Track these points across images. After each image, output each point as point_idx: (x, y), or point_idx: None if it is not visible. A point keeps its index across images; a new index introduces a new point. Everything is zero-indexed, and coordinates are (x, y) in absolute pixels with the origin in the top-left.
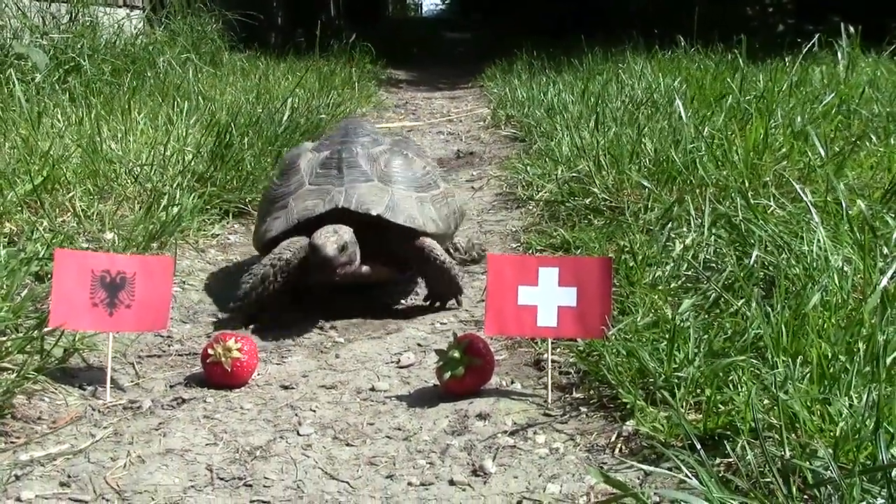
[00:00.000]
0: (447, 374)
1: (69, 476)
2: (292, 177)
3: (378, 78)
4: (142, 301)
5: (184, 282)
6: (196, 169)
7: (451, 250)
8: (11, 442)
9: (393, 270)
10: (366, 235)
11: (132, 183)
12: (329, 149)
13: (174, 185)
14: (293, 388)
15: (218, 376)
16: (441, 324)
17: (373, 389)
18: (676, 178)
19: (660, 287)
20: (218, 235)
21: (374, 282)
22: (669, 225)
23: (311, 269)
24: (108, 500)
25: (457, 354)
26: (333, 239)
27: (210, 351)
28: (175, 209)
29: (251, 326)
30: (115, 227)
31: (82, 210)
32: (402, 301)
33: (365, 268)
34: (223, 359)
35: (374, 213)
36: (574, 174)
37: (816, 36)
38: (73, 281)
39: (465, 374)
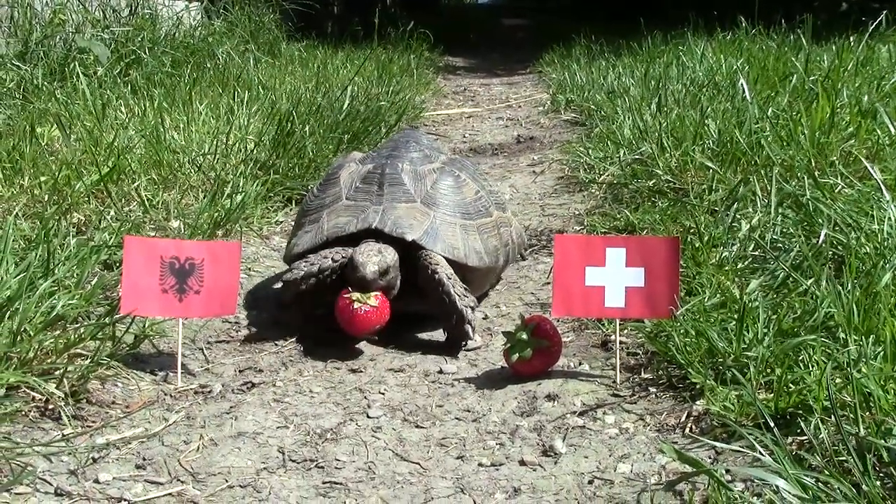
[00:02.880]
0: (515, 356)
1: (144, 459)
2: (330, 189)
3: (436, 65)
4: (210, 287)
5: (249, 268)
6: (258, 157)
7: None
8: (88, 426)
9: (418, 303)
10: (402, 261)
11: (196, 172)
12: (374, 162)
13: (237, 174)
14: (361, 371)
15: (349, 317)
16: (506, 306)
17: (440, 372)
18: (741, 158)
19: (726, 267)
20: (282, 222)
21: (410, 312)
22: (735, 205)
23: (350, 284)
24: (182, 482)
25: (524, 336)
26: (376, 259)
27: (347, 295)
28: (239, 197)
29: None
30: (180, 216)
31: (148, 199)
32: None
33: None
34: (358, 303)
35: (409, 238)
36: (637, 156)
37: (883, 13)
38: (143, 268)
39: (533, 355)
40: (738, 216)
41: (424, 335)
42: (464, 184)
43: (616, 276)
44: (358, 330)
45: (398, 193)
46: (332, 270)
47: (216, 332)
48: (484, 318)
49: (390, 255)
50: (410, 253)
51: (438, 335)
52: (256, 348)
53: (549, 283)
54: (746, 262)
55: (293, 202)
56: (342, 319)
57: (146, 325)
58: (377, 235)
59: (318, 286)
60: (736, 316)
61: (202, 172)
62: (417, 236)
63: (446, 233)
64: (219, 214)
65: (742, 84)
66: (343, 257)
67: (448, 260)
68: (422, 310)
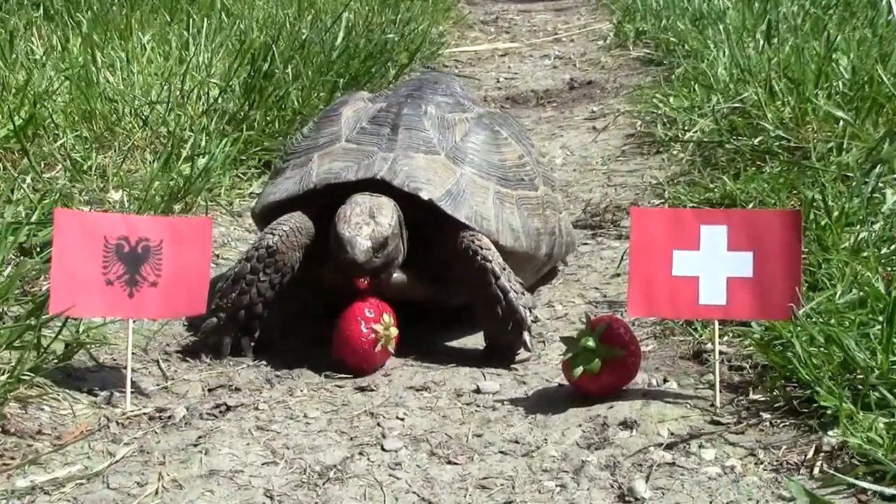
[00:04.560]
0: (579, 370)
1: None
2: (326, 128)
3: None
4: (172, 277)
5: (217, 255)
6: (226, 108)
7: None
8: (5, 464)
9: (437, 290)
10: (410, 231)
11: (141, 127)
12: (389, 101)
13: (198, 129)
14: (372, 389)
15: (374, 360)
16: (563, 305)
17: (478, 391)
18: (884, 105)
19: (865, 253)
20: (259, 194)
21: (410, 299)
22: (876, 169)
23: (336, 265)
24: None
25: (591, 343)
26: (368, 231)
27: (364, 337)
28: (201, 160)
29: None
30: (123, 185)
31: (77, 162)
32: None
33: (398, 275)
34: (383, 340)
35: (424, 195)
36: (736, 105)
37: None
38: (80, 252)
39: (603, 368)
40: (882, 184)
41: (455, 343)
42: (504, 143)
43: (714, 264)
44: (372, 367)
45: (417, 141)
46: (274, 256)
47: (177, 337)
48: (534, 321)
49: (387, 218)
50: (436, 224)
51: (471, 340)
52: (231, 359)
53: (620, 275)
54: (893, 247)
55: (273, 168)
56: (353, 353)
57: (83, 330)
58: (383, 190)
59: (277, 286)
60: (881, 318)
61: (150, 128)
62: (436, 196)
63: (475, 197)
64: (175, 183)
65: (888, 1)
66: (294, 229)
67: (469, 229)
68: (421, 297)
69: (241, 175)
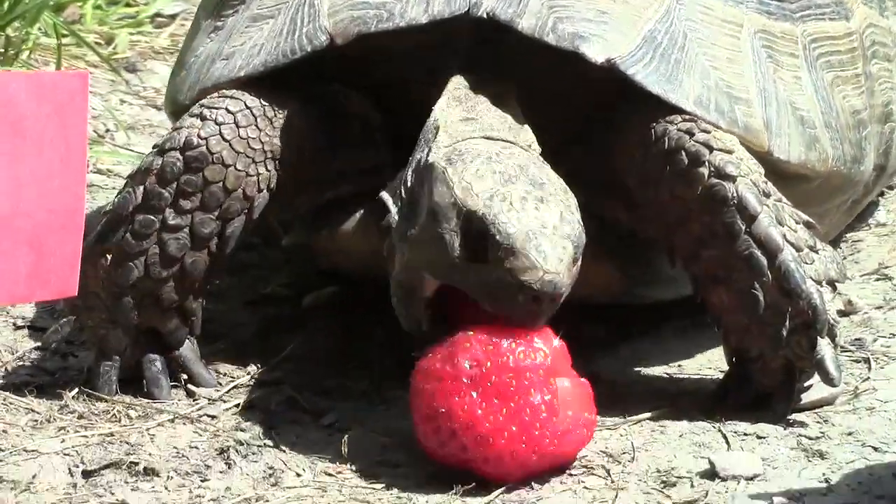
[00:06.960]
0: None
1: None
2: None
3: None
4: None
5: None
6: None
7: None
8: None
9: (622, 270)
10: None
11: None
12: None
13: None
14: None
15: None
16: None
17: (713, 474)
18: None
19: None
20: (173, 18)
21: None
22: None
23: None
24: None
25: None
26: (556, 214)
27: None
28: None
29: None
30: None
31: None
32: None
33: None
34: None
35: (597, 55)
36: None
37: None
38: None
39: None
40: None
41: (658, 367)
42: None
43: None
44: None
45: None
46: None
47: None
48: (845, 314)
49: (553, 174)
50: (617, 119)
51: (695, 357)
52: (133, 403)
53: None
54: None
55: None
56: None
57: None
58: (486, 40)
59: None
60: None
61: None
62: (622, 51)
63: (711, 49)
64: None
65: None
66: (259, 110)
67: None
68: (650, 296)
69: None
